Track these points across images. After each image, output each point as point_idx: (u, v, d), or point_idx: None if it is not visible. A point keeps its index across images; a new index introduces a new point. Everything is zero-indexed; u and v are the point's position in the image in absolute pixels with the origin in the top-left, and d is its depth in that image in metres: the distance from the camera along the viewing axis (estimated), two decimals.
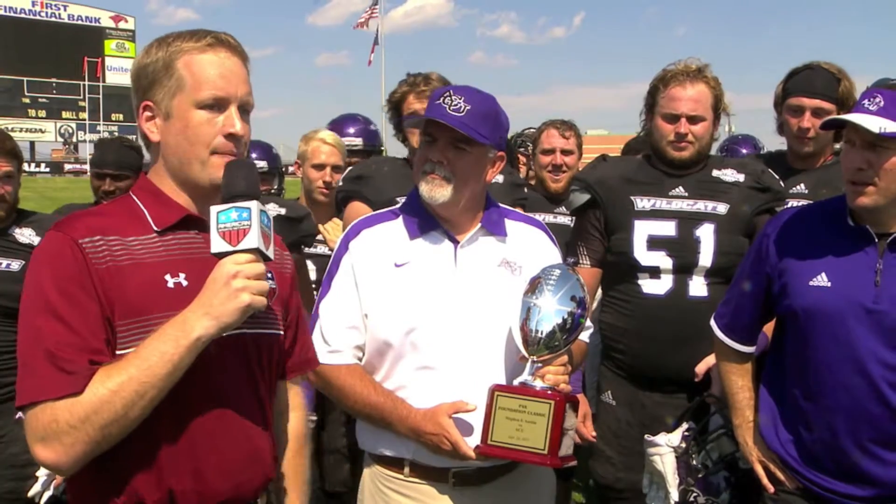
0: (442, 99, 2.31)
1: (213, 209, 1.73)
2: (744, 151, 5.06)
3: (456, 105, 2.29)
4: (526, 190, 3.92)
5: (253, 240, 1.71)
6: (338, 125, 4.63)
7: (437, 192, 2.33)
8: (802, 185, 3.40)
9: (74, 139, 63.96)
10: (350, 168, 3.83)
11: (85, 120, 60.55)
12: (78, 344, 1.65)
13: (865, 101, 2.28)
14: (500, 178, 3.56)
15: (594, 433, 3.32)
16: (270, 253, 1.75)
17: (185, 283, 1.76)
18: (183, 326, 1.66)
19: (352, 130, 4.54)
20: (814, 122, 3.33)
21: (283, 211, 3.59)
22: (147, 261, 1.75)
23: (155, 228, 1.80)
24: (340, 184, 3.68)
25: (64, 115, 61.52)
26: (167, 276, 1.75)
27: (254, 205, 1.74)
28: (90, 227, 1.73)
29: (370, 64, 51.50)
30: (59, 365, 1.63)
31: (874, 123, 2.22)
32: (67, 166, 55.75)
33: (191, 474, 1.76)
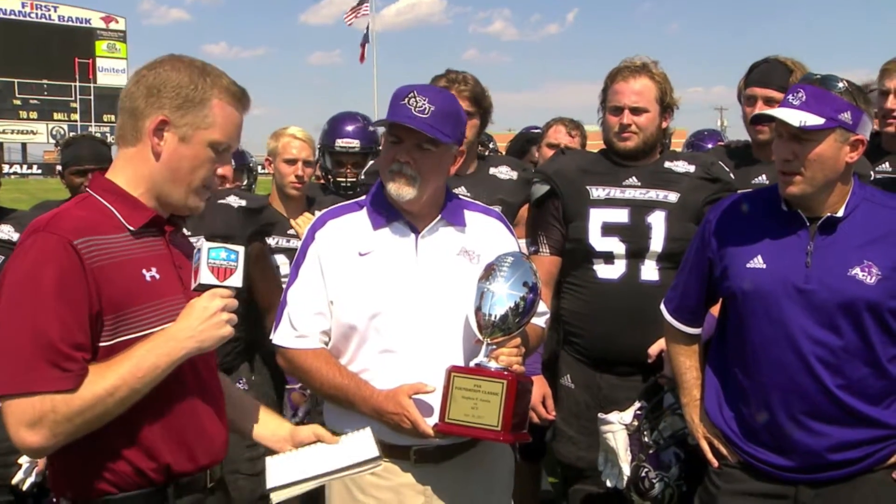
0: (406, 100, 2.40)
1: (205, 244, 1.96)
2: (709, 146, 5.21)
3: (421, 106, 2.37)
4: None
5: (237, 280, 1.97)
6: (336, 123, 4.64)
7: (404, 190, 2.43)
8: (764, 177, 3.54)
9: None
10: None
11: (76, 121, 60.20)
12: (74, 342, 1.80)
13: (790, 96, 2.40)
14: (514, 175, 3.67)
15: (553, 413, 3.44)
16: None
17: (157, 276, 1.97)
18: (173, 345, 1.89)
19: (350, 129, 4.56)
20: (766, 109, 3.45)
21: (243, 203, 3.70)
22: (127, 258, 1.92)
23: (130, 228, 1.95)
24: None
25: (55, 116, 61.16)
26: (143, 271, 1.95)
27: (241, 250, 1.99)
28: (78, 228, 1.85)
29: (363, 61, 51.37)
30: (58, 362, 1.78)
31: (796, 117, 2.34)
32: (60, 168, 55.20)
33: (182, 449, 1.99)
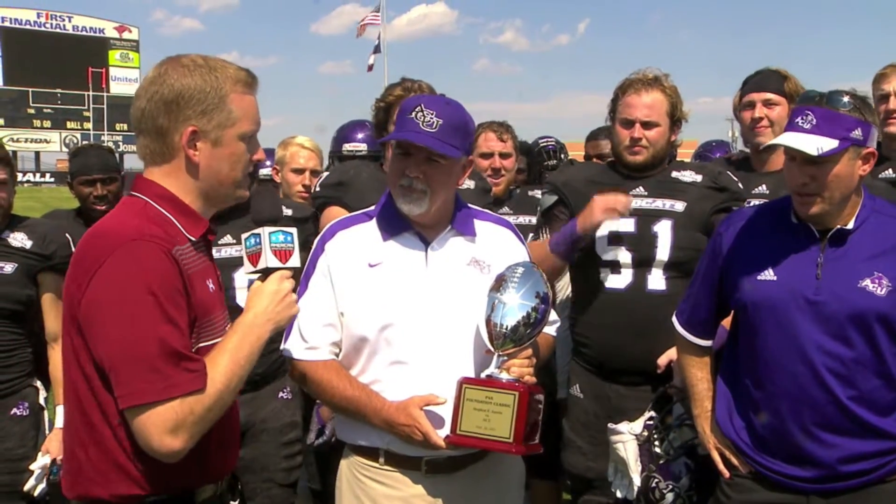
0: (414, 114, 2.38)
1: (265, 230, 2.04)
2: (717, 157, 5.22)
3: (429, 121, 2.36)
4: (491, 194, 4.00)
5: (297, 260, 2.06)
6: (345, 130, 4.64)
7: (414, 205, 2.42)
8: (764, 187, 3.54)
9: None
10: (328, 173, 3.87)
11: (89, 130, 60.52)
12: (190, 345, 1.89)
13: (799, 120, 2.37)
14: (470, 184, 3.66)
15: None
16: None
17: (214, 287, 2.05)
18: (258, 330, 1.99)
19: (360, 136, 4.56)
20: (765, 111, 3.54)
21: (289, 212, 3.65)
22: (197, 268, 1.97)
23: (191, 238, 1.99)
24: (318, 189, 3.73)
25: (69, 125, 61.56)
26: (208, 282, 2.02)
27: (295, 231, 2.08)
28: (167, 238, 1.90)
29: (370, 69, 51.28)
30: (185, 365, 1.84)
31: (811, 143, 2.32)
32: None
33: (216, 456, 2.04)
